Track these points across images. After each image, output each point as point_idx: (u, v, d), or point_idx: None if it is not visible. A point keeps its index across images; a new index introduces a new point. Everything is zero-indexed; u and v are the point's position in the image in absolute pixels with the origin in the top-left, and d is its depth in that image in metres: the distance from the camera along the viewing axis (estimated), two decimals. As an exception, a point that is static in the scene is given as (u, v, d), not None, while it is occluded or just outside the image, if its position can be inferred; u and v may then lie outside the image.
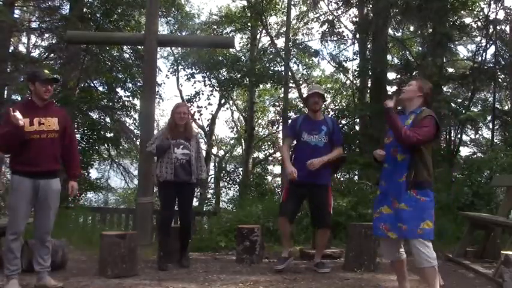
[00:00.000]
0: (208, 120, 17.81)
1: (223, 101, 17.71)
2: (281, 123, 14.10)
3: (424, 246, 3.07)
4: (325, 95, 4.60)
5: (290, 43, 12.70)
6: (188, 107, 5.04)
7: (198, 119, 16.95)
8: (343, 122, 11.38)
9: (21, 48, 13.65)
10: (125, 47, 12.05)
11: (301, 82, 14.34)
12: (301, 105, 13.07)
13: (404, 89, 3.30)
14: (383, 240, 3.35)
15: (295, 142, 4.69)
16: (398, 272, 3.43)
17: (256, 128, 18.45)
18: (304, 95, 5.05)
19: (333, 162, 4.57)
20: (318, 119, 4.56)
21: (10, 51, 9.97)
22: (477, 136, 13.23)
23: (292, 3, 13.10)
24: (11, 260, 3.51)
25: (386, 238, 3.25)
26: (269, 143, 19.63)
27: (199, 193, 16.02)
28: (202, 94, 14.03)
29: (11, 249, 3.52)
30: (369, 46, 11.57)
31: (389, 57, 12.15)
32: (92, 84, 11.98)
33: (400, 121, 3.21)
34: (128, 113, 12.24)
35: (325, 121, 4.57)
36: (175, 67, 15.91)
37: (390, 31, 11.61)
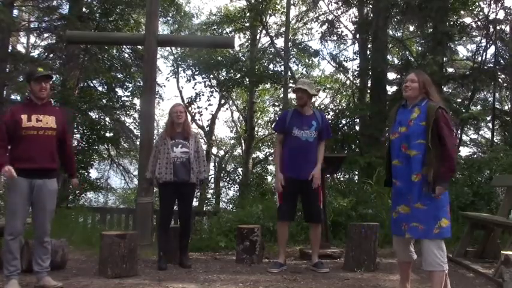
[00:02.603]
0: (208, 121, 17.84)
1: (223, 101, 17.71)
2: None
3: (438, 249, 3.03)
4: (309, 90, 4.53)
5: (290, 43, 12.69)
6: (184, 106, 5.06)
7: (199, 119, 16.95)
8: (343, 122, 11.37)
9: (21, 48, 13.66)
10: (124, 47, 12.05)
11: (301, 82, 14.30)
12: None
13: (410, 86, 3.22)
14: (398, 241, 3.29)
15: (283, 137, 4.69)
16: (403, 272, 3.39)
17: (256, 128, 18.43)
18: (292, 89, 5.08)
19: (333, 161, 4.61)
20: (307, 113, 4.55)
21: (9, 51, 9.96)
22: (477, 136, 13.25)
23: (292, 3, 13.10)
24: (10, 261, 3.51)
25: (404, 238, 3.19)
26: (269, 143, 19.61)
27: (199, 193, 16.04)
28: (203, 95, 14.04)
29: (9, 250, 3.51)
30: (369, 46, 11.56)
31: (389, 57, 12.15)
32: (92, 84, 11.98)
33: (403, 116, 3.20)
34: (128, 112, 12.26)
35: (314, 116, 4.56)
36: (175, 69, 15.90)
37: (390, 31, 11.60)
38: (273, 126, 4.49)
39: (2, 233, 4.06)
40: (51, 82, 3.81)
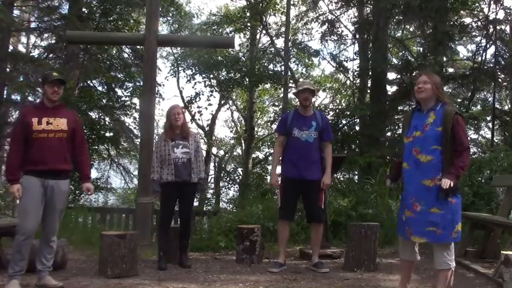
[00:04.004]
0: (208, 121, 17.85)
1: (223, 101, 17.72)
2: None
3: (448, 250, 3.08)
4: (316, 90, 4.71)
5: (290, 43, 12.68)
6: (182, 107, 5.06)
7: (199, 119, 16.95)
8: (343, 122, 11.37)
9: (21, 48, 13.67)
10: (124, 47, 12.05)
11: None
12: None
13: (422, 88, 3.17)
14: (403, 241, 3.29)
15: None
16: (405, 272, 3.39)
17: (255, 128, 18.43)
18: (295, 90, 5.12)
19: (333, 161, 4.63)
20: (308, 114, 4.61)
21: (9, 51, 9.96)
22: (477, 136, 13.24)
23: (292, 3, 13.09)
24: (17, 261, 3.51)
25: (409, 241, 3.20)
26: (269, 143, 19.63)
27: (198, 195, 16.05)
28: (203, 95, 14.05)
29: (19, 251, 3.52)
30: (369, 46, 11.56)
31: (389, 57, 12.14)
32: (92, 84, 11.98)
33: (419, 121, 3.17)
34: (128, 112, 12.26)
35: (315, 116, 4.61)
36: (175, 69, 15.91)
37: (390, 31, 11.60)
38: (274, 128, 4.60)
39: (7, 232, 4.08)
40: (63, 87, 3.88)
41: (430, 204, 3.04)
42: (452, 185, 2.96)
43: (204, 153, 16.02)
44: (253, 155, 17.86)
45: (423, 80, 3.19)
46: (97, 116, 11.49)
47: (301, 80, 13.05)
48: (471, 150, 12.41)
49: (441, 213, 3.01)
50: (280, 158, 4.74)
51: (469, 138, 3.18)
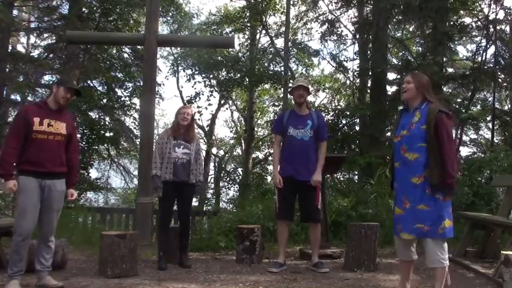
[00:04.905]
0: (208, 120, 17.85)
1: (223, 101, 17.72)
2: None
3: (440, 247, 3.10)
4: (310, 88, 4.72)
5: (290, 43, 12.68)
6: (192, 109, 5.07)
7: (199, 119, 16.96)
8: (343, 122, 11.37)
9: (20, 48, 13.68)
10: (124, 47, 12.05)
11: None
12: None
13: (405, 88, 3.29)
14: (399, 240, 3.32)
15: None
16: (404, 271, 3.41)
17: (255, 128, 18.43)
18: (290, 89, 5.12)
19: (333, 161, 4.63)
20: (304, 113, 4.63)
21: (9, 51, 9.97)
22: (477, 136, 13.25)
23: (292, 3, 13.10)
24: (16, 262, 3.51)
25: (402, 239, 3.24)
26: (269, 143, 19.63)
27: (196, 196, 16.03)
28: (203, 94, 14.04)
29: (17, 251, 3.51)
30: (369, 46, 11.56)
31: (389, 57, 12.15)
32: (92, 84, 11.99)
33: (406, 120, 3.26)
34: (128, 112, 12.27)
35: (310, 116, 4.63)
36: (175, 68, 15.91)
37: (390, 31, 11.60)
38: (271, 128, 4.62)
39: (7, 232, 4.08)
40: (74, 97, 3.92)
41: (417, 201, 3.10)
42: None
43: (204, 153, 16.03)
44: (253, 155, 17.86)
45: (406, 80, 3.32)
46: (97, 116, 11.50)
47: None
48: (471, 150, 12.51)
49: (428, 210, 3.07)
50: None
51: (453, 135, 3.22)
